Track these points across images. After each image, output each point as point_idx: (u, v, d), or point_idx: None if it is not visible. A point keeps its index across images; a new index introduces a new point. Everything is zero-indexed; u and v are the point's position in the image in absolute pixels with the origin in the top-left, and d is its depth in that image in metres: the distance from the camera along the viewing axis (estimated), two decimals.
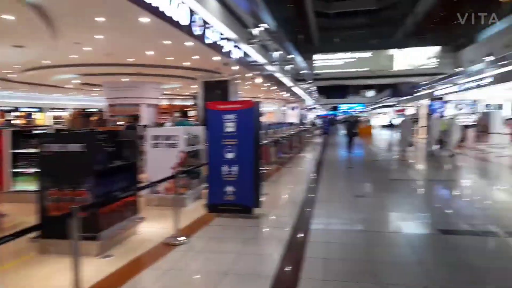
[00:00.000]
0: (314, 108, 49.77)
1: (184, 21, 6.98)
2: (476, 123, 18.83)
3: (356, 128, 14.22)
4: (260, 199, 5.81)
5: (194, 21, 7.40)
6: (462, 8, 23.00)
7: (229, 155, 5.57)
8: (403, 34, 32.15)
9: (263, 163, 9.37)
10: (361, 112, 53.89)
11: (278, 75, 16.95)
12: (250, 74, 13.81)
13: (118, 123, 13.92)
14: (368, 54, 25.18)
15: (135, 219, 4.99)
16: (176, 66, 11.63)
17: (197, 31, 7.66)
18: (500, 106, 26.78)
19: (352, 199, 7.11)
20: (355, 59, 25.40)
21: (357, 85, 45.62)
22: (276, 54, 15.11)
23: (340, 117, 56.03)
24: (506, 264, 4.03)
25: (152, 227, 5.21)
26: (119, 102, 14.63)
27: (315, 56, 25.47)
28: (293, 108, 33.67)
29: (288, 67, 17.74)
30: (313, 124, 34.92)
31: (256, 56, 12.44)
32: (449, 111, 26.77)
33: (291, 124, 22.94)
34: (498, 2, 18.03)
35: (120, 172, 4.71)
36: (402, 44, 24.81)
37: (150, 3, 5.71)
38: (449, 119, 14.87)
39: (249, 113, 5.57)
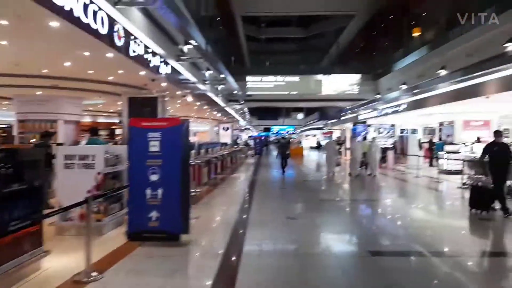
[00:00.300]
0: (247, 128, 50.37)
1: (104, 30, 6.39)
2: (394, 145, 20.38)
3: (288, 149, 14.46)
4: (188, 224, 5.35)
5: (115, 31, 6.84)
6: (380, 41, 25.36)
7: (153, 177, 5.06)
8: (329, 61, 34.33)
9: (193, 185, 8.92)
10: (292, 133, 55.88)
11: (210, 94, 16.75)
12: (180, 92, 13.38)
13: (31, 140, 12.43)
14: (296, 78, 26.24)
15: (37, 253, 4.22)
16: (98, 80, 10.77)
17: (119, 42, 7.09)
18: (414, 131, 29.55)
19: (285, 221, 6.97)
20: (285, 83, 26.28)
21: (288, 108, 47.44)
22: (207, 73, 14.91)
23: (273, 138, 57.57)
24: (434, 284, 4.10)
25: (60, 261, 4.46)
26: (32, 118, 13.10)
27: (248, 78, 25.86)
28: (226, 128, 33.61)
29: (220, 87, 17.66)
30: (247, 144, 35.13)
31: (186, 74, 12.09)
32: (371, 134, 28.88)
33: (224, 144, 22.71)
34: (411, 36, 20.12)
35: (18, 197, 3.95)
36: (328, 70, 26.40)
37: (62, 6, 5.08)
38: (370, 142, 15.85)
39: (176, 131, 5.16)
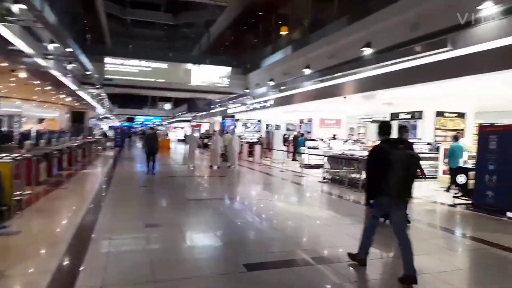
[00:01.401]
0: (107, 117, 45.38)
1: None
2: (260, 140, 20.77)
3: (156, 142, 12.87)
4: None
5: None
6: (250, 36, 25.69)
7: None
8: (199, 52, 33.38)
9: (20, 185, 6.71)
10: (158, 125, 53.01)
11: (55, 73, 13.74)
12: (6, 64, 10.36)
13: None
14: (164, 65, 24.41)
15: None
16: None
17: None
18: (278, 126, 31.14)
19: (142, 230, 5.65)
20: (151, 69, 24.17)
21: (154, 97, 44.54)
22: (51, 47, 12.06)
23: (138, 129, 53.51)
24: None
25: None
26: None
27: (107, 59, 22.75)
28: None
29: (70, 66, 14.70)
30: (104, 135, 31.36)
31: (16, 41, 9.29)
32: (239, 128, 29.19)
33: (75, 134, 19.41)
34: (279, 34, 20.79)
35: None
36: (197, 60, 25.37)
37: None
38: (230, 135, 15.96)
39: None
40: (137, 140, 40.01)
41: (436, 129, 15.93)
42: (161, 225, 6.11)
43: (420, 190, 9.70)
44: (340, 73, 12.77)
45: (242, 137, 24.92)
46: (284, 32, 20.35)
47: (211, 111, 29.83)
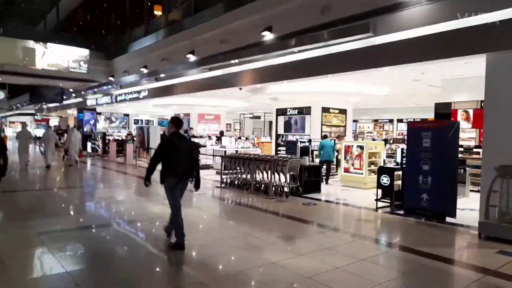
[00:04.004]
0: None
1: None
2: (132, 138, 17.51)
3: None
4: None
5: None
6: (116, 13, 21.61)
7: None
8: (46, 26, 27.01)
9: None
10: None
11: None
12: None
13: None
14: None
15: None
16: None
17: None
18: (149, 122, 27.65)
19: None
20: None
21: None
22: None
23: None
24: None
25: None
26: None
27: None
28: None
29: None
30: None
31: None
32: (101, 123, 24.70)
33: None
34: (153, 15, 17.71)
35: None
36: (43, 37, 20.02)
37: None
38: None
39: None
40: None
41: (322, 125, 15.84)
42: None
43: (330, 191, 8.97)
44: (234, 61, 11.02)
45: (108, 134, 20.92)
46: (158, 11, 17.44)
47: (64, 103, 24.37)
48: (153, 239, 5.50)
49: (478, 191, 8.24)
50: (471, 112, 11.49)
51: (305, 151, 9.65)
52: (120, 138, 19.50)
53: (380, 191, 7.56)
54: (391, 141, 16.39)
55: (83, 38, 22.26)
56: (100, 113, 24.32)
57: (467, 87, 11.20)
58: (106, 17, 22.60)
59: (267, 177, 8.98)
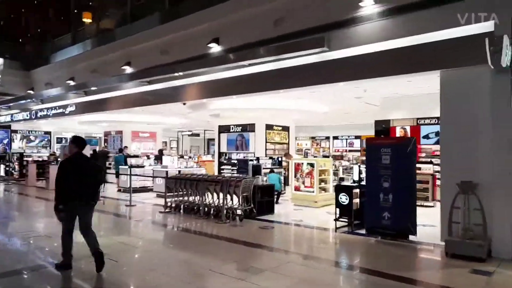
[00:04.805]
0: None
1: None
2: (57, 158, 15.52)
3: None
4: None
5: None
6: (39, 19, 19.39)
7: None
8: None
9: None
10: None
11: None
12: None
13: None
14: None
15: None
16: None
17: None
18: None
19: None
20: None
21: None
22: None
23: None
24: None
25: None
26: None
27: None
28: None
29: None
30: None
31: None
32: (17, 143, 21.74)
33: None
34: (81, 22, 16.12)
35: None
36: None
37: None
38: None
39: None
40: None
41: (266, 142, 15.53)
42: None
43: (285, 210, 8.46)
44: (178, 73, 10.21)
45: (25, 154, 18.39)
46: (87, 19, 15.94)
47: None
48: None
49: (421, 205, 8.62)
50: (408, 128, 11.99)
51: (257, 170, 9.11)
52: (41, 159, 17.19)
53: (337, 210, 7.26)
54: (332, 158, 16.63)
55: None
56: (16, 131, 21.39)
57: (405, 105, 11.72)
58: (25, 23, 20.22)
59: (217, 199, 8.23)
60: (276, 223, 7.94)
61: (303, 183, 10.22)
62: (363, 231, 6.80)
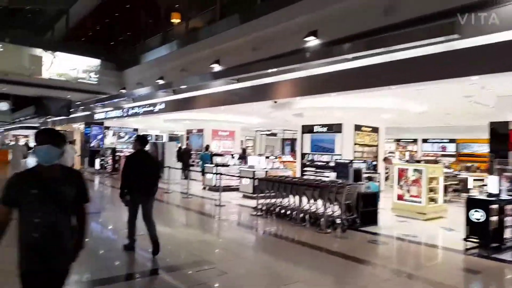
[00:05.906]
0: None
1: None
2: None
3: None
4: None
5: None
6: (130, 21, 20.53)
7: None
8: (56, 35, 25.97)
9: None
10: None
11: None
12: None
13: None
14: None
15: None
16: None
17: None
18: (158, 137, 26.30)
19: None
20: None
21: None
22: None
23: None
24: None
25: None
26: None
27: None
28: None
29: None
30: None
31: None
32: (109, 138, 23.30)
33: None
34: (169, 23, 16.56)
35: None
36: (51, 45, 18.89)
37: None
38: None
39: None
40: None
41: (355, 144, 14.42)
42: None
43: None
44: (271, 70, 9.71)
45: (118, 150, 19.53)
46: (176, 19, 16.31)
47: (71, 116, 23.04)
48: None
49: None
50: None
51: (358, 175, 8.21)
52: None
53: (468, 227, 6.08)
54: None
55: (94, 47, 21.13)
56: (108, 128, 22.92)
57: None
58: (118, 26, 21.53)
59: (316, 205, 7.51)
60: (384, 236, 6.97)
61: (408, 191, 9.04)
62: (504, 256, 5.57)
